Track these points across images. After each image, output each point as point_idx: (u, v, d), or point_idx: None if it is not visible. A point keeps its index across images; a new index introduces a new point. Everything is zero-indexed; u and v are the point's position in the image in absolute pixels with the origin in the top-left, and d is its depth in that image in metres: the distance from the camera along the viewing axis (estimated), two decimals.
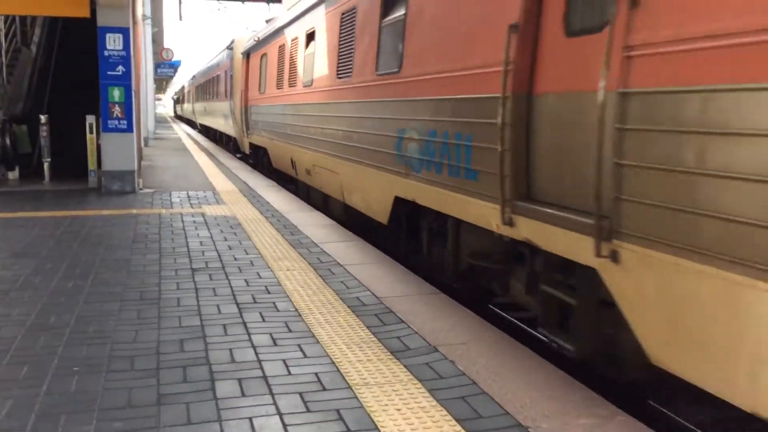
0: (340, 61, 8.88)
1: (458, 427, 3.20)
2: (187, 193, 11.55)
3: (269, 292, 5.54)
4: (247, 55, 18.18)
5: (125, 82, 11.31)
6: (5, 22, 15.37)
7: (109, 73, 11.21)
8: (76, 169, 13.63)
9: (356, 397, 3.53)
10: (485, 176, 4.98)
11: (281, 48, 13.18)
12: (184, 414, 3.34)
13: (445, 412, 3.35)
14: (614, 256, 3.61)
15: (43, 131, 12.80)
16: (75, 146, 12.90)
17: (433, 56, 5.96)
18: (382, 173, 7.23)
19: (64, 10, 11.45)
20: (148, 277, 6.00)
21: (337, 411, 3.37)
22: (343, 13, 8.89)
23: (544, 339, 4.77)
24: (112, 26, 11.09)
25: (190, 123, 50.90)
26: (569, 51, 4.13)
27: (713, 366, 3.04)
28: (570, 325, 4.29)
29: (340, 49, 8.92)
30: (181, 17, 36.73)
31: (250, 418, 3.29)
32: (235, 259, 6.71)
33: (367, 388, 3.64)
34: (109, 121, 11.38)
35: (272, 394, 3.56)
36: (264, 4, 30.64)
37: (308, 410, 3.38)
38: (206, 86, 31.87)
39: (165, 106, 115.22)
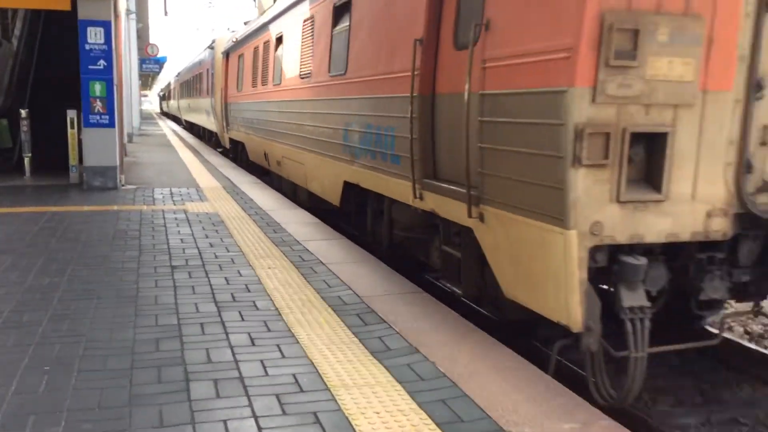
0: (302, 62, 9.89)
1: None
2: (170, 190, 11.40)
3: (249, 291, 5.44)
4: (226, 54, 18.92)
5: (107, 76, 11.14)
6: None
7: (90, 67, 11.04)
8: (58, 165, 13.43)
9: (334, 399, 3.44)
10: (404, 160, 6.02)
11: (256, 49, 14.05)
12: (157, 416, 3.24)
13: (425, 416, 3.28)
14: (481, 217, 4.72)
15: (24, 126, 12.59)
16: (57, 141, 12.71)
17: (368, 61, 7.01)
18: (334, 162, 8.28)
19: (45, 3, 11.28)
20: (126, 275, 5.89)
21: (314, 414, 3.28)
22: (304, 21, 9.92)
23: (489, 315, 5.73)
24: (93, 19, 10.91)
25: (176, 119, 50.59)
26: (456, 61, 5.20)
27: (538, 293, 4.13)
28: (459, 274, 5.37)
29: (302, 52, 9.96)
30: (166, 13, 36.40)
31: (225, 421, 3.20)
32: (216, 256, 6.61)
33: (346, 390, 3.55)
34: (91, 116, 11.21)
35: (248, 396, 3.47)
36: (250, 0, 30.44)
37: (284, 413, 3.29)
38: (190, 83, 32.51)
39: (151, 102, 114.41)
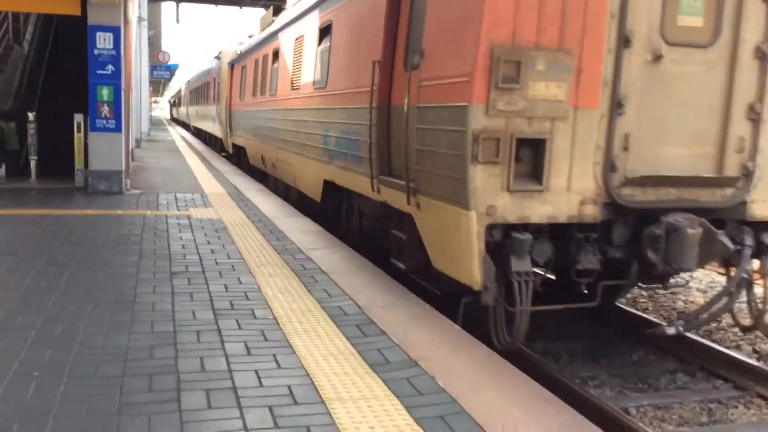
0: (294, 76, 11.12)
1: None
2: (175, 195, 11.35)
3: (248, 299, 5.35)
4: (231, 65, 20.34)
5: (115, 81, 11.12)
6: None
7: (98, 71, 11.02)
8: (64, 168, 13.40)
9: (329, 413, 3.34)
10: (366, 160, 7.04)
11: (256, 62, 15.31)
12: (145, 426, 3.15)
13: None
14: (418, 205, 5.79)
15: (31, 129, 12.59)
16: (66, 144, 12.69)
17: (342, 77, 8.20)
18: (316, 163, 9.43)
19: (55, 7, 11.29)
20: (125, 280, 5.81)
21: (307, 427, 3.18)
22: (296, 38, 11.14)
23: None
24: (102, 25, 10.91)
25: (185, 126, 50.74)
26: (405, 80, 6.19)
27: (452, 262, 5.28)
28: (404, 253, 6.42)
29: (294, 66, 11.21)
30: (178, 20, 36.49)
31: None
32: (217, 263, 6.53)
33: (341, 404, 3.45)
34: (97, 120, 11.19)
35: (240, 408, 3.38)
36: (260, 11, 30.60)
37: (276, 426, 3.20)
38: (199, 91, 33.54)
39: (162, 109, 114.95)
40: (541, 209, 5.06)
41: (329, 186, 8.95)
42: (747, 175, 5.48)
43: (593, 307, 6.08)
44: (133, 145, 18.39)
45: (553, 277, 6.24)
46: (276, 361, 4.04)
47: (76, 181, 12.28)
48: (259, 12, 33.10)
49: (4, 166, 13.40)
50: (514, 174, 4.96)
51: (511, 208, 4.99)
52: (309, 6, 10.27)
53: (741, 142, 5.44)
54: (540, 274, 5.31)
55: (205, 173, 15.60)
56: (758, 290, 5.93)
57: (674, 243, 5.17)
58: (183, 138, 34.29)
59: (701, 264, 5.42)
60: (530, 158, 5.07)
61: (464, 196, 4.96)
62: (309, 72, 10.01)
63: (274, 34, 13.29)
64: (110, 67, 11.07)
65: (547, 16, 4.91)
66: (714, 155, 5.42)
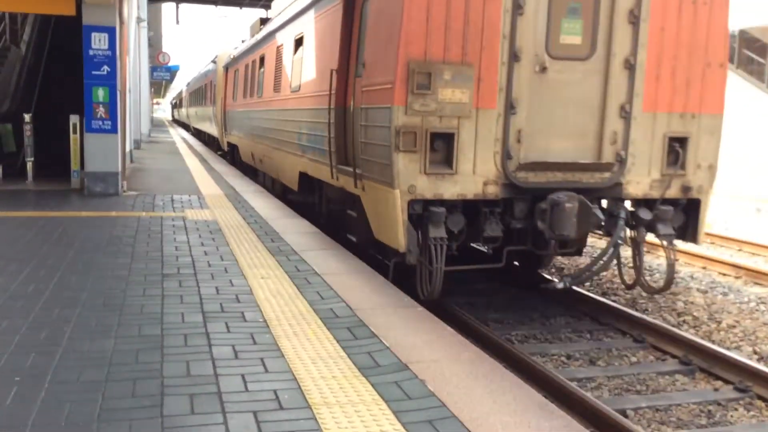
0: (275, 79, 12.38)
1: None
2: (172, 197, 11.27)
3: (239, 301, 5.26)
4: (226, 68, 21.85)
5: (110, 82, 11.05)
6: None
7: (93, 72, 10.94)
8: (63, 170, 13.35)
9: (314, 418, 3.26)
10: (327, 153, 8.22)
11: (246, 66, 16.61)
12: None
13: None
14: (363, 188, 7.07)
15: (27, 130, 12.53)
16: (63, 146, 12.62)
17: (311, 82, 9.52)
18: (293, 157, 10.67)
19: (50, 8, 11.22)
20: (115, 282, 5.73)
21: None
22: (278, 47, 12.38)
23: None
24: (97, 25, 10.83)
25: (186, 127, 50.69)
26: (356, 85, 7.45)
27: (385, 231, 6.61)
28: (356, 229, 7.83)
29: (276, 71, 12.44)
30: (177, 21, 36.44)
31: None
32: (210, 265, 6.44)
33: (328, 408, 3.37)
34: (93, 122, 11.11)
35: (224, 413, 3.29)
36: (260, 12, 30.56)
37: None
38: (198, 92, 34.50)
39: (164, 110, 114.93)
40: (452, 188, 6.38)
41: (303, 177, 10.25)
42: (621, 161, 6.73)
43: (523, 275, 8.50)
44: (131, 147, 18.32)
45: (489, 251, 7.72)
46: (263, 365, 3.95)
47: (72, 183, 12.21)
48: (259, 12, 33.08)
49: (1, 168, 13.34)
50: (429, 160, 6.28)
51: (427, 187, 6.31)
52: (287, 19, 11.73)
53: (614, 136, 6.72)
54: (455, 242, 6.67)
55: (204, 174, 15.53)
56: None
57: (556, 214, 6.40)
58: (183, 139, 34.23)
59: (580, 232, 6.59)
60: (442, 148, 6.35)
61: (391, 177, 6.28)
62: (287, 77, 11.36)
63: (261, 41, 14.72)
64: (105, 67, 11.00)
65: (452, 38, 6.22)
66: (593, 146, 6.72)
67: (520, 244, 7.10)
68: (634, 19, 6.61)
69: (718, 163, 7.06)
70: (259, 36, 15.33)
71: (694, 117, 6.89)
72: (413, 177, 6.24)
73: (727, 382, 6.07)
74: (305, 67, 9.87)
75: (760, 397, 5.78)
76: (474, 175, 6.40)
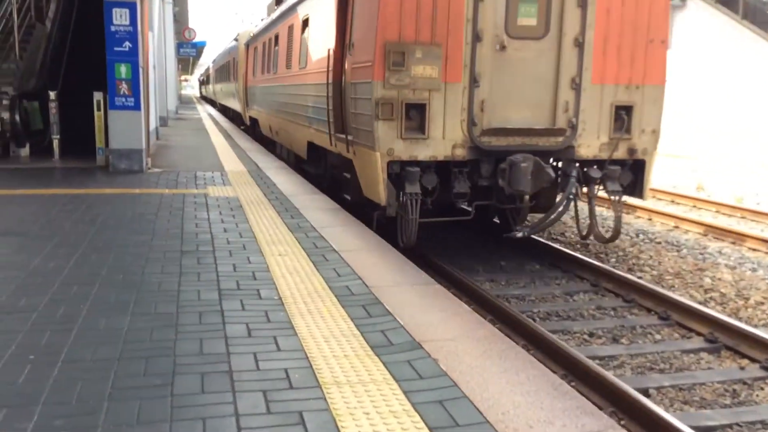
0: (287, 57, 13.50)
1: None
2: (195, 174, 11.31)
3: (255, 279, 5.25)
4: (247, 45, 22.91)
5: (132, 58, 11.05)
6: None
7: (115, 48, 10.96)
8: (88, 147, 13.45)
9: (324, 398, 3.23)
10: (327, 123, 9.29)
11: (264, 43, 17.76)
12: (134, 412, 3.07)
13: (417, 418, 3.04)
14: (353, 153, 8.13)
15: (53, 108, 12.63)
16: (89, 123, 12.70)
17: (315, 60, 10.48)
18: (302, 128, 11.72)
19: None
20: (135, 259, 5.76)
21: (300, 413, 3.07)
22: (289, 27, 13.43)
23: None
24: (118, 1, 10.82)
25: (212, 103, 50.87)
26: (348, 63, 8.51)
27: (370, 189, 7.72)
28: (350, 189, 8.90)
29: (288, 49, 13.51)
30: None
31: (204, 419, 3.01)
32: (228, 242, 6.44)
33: (338, 388, 3.34)
34: (116, 98, 11.15)
35: (234, 392, 3.28)
36: None
37: (269, 411, 3.09)
38: (223, 69, 35.47)
39: (192, 87, 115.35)
40: (425, 151, 7.41)
41: (311, 146, 11.28)
42: (572, 127, 7.69)
43: (500, 229, 9.30)
44: (157, 124, 18.40)
45: (470, 209, 8.33)
46: (276, 343, 3.93)
47: (97, 160, 12.31)
48: None
49: (28, 146, 13.49)
50: (405, 127, 7.31)
51: (404, 150, 7.36)
52: (294, 2, 12.97)
53: (567, 105, 7.67)
54: (429, 197, 7.66)
55: (228, 151, 15.55)
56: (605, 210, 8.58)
57: (514, 173, 7.35)
58: (210, 116, 34.36)
59: (535, 187, 7.46)
60: (416, 117, 7.35)
61: (373, 142, 7.35)
62: (296, 55, 12.43)
63: (275, 21, 15.89)
64: (127, 43, 11.00)
65: (422, 22, 7.20)
66: (548, 114, 7.67)
67: (486, 199, 8.09)
68: (582, 2, 7.54)
69: (661, 128, 8.02)
70: (273, 16, 16.59)
71: (638, 88, 7.82)
72: (391, 141, 7.29)
73: (753, 360, 5.94)
74: (311, 47, 10.89)
75: None
76: (444, 139, 7.41)
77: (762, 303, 7.51)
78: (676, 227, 11.52)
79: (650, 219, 12.16)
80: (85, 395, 3.22)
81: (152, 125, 15.27)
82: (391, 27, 7.15)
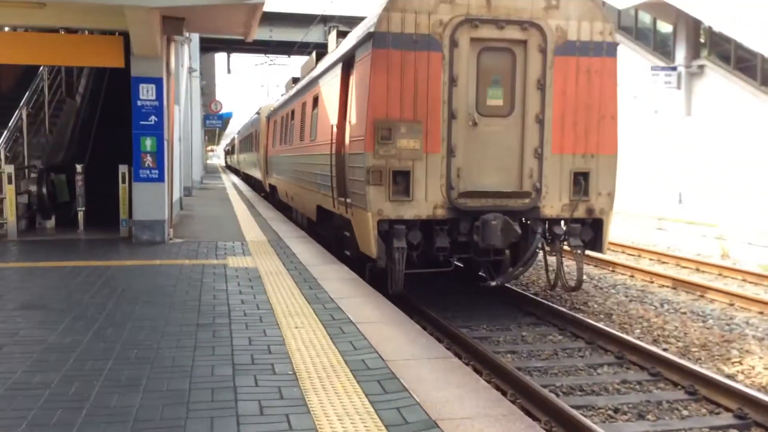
0: (301, 130, 14.91)
1: None
2: (216, 244, 11.38)
3: (270, 352, 5.20)
4: (267, 118, 24.86)
5: (157, 131, 11.31)
6: (51, 74, 15.71)
7: (141, 123, 11.22)
8: (113, 219, 13.64)
9: None
10: (331, 188, 10.62)
11: (282, 117, 19.44)
12: None
13: None
14: (351, 214, 9.39)
15: (79, 181, 12.88)
16: (115, 195, 12.93)
17: (321, 133, 11.83)
18: (312, 193, 13.11)
19: (101, 61, 11.65)
20: (150, 333, 5.74)
21: None
22: (303, 103, 14.98)
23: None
24: (145, 76, 11.15)
25: (236, 172, 51.68)
26: (348, 136, 9.69)
27: (365, 244, 8.90)
28: (350, 245, 10.12)
29: (301, 123, 14.98)
30: (229, 70, 37.53)
31: None
32: (245, 314, 6.42)
33: None
34: (141, 171, 11.36)
35: None
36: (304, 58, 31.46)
37: None
38: (246, 140, 37.18)
39: (219, 157, 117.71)
40: (410, 211, 8.61)
41: (320, 209, 12.60)
42: (537, 190, 8.86)
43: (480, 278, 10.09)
44: (181, 194, 18.66)
45: (460, 264, 10.13)
46: (288, 422, 3.86)
47: (121, 232, 12.46)
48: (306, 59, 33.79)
49: (54, 218, 13.71)
50: (392, 191, 8.54)
51: (392, 210, 8.56)
52: (307, 83, 14.62)
53: (531, 171, 8.85)
54: (414, 251, 8.75)
55: (249, 220, 15.68)
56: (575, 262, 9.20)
57: (486, 230, 8.46)
58: (234, 185, 34.83)
59: (505, 242, 8.55)
60: (402, 182, 8.58)
61: (365, 203, 8.60)
62: (308, 128, 13.80)
63: (291, 98, 17.59)
64: (153, 117, 11.27)
65: (406, 103, 8.52)
66: (515, 179, 8.86)
67: (465, 253, 9.08)
68: (541, 86, 8.81)
69: (615, 192, 9.14)
70: (290, 93, 18.61)
71: (593, 156, 9.01)
72: (381, 203, 8.52)
73: None
74: (319, 122, 12.28)
75: (758, 425, 5.42)
76: (426, 201, 8.62)
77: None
78: (702, 296, 11.29)
79: (674, 288, 11.96)
80: None
81: (176, 196, 15.50)
82: (380, 107, 8.46)
